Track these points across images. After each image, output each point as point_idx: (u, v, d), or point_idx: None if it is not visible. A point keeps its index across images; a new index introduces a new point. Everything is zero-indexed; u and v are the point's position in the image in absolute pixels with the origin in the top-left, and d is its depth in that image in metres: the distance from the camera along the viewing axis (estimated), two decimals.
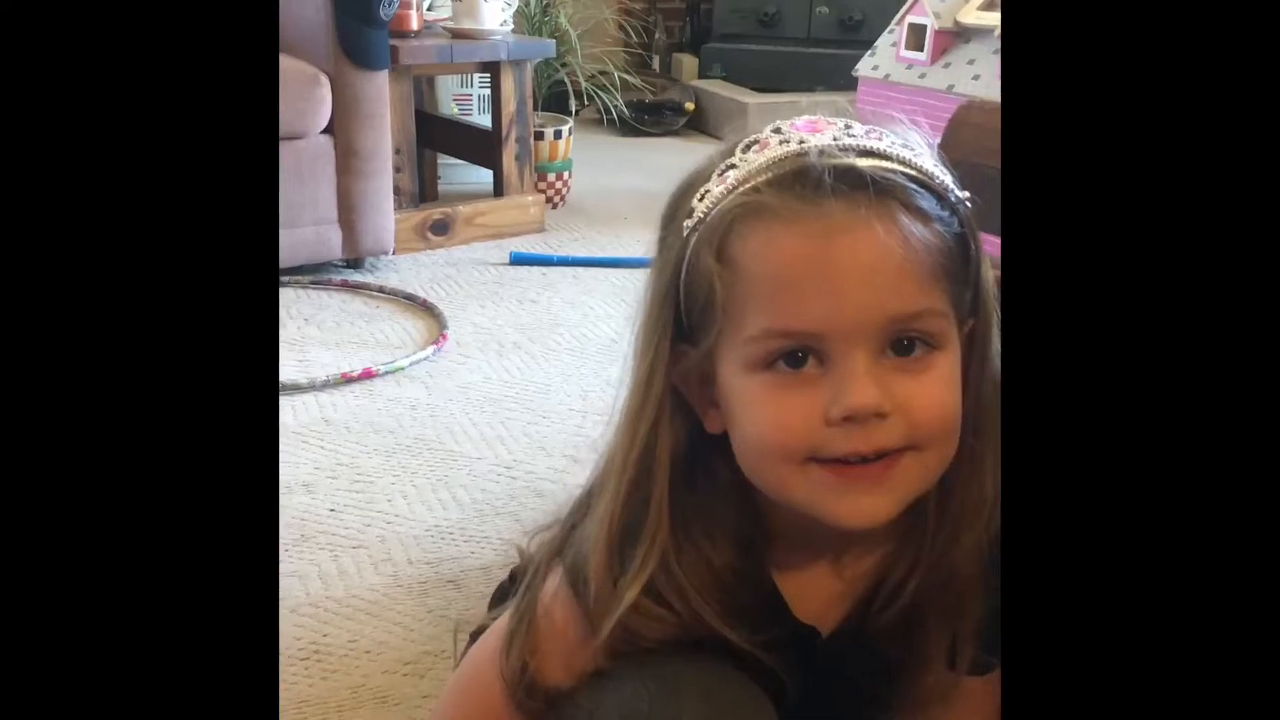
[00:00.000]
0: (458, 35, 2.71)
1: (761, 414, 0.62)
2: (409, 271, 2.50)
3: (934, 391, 0.61)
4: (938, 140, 0.66)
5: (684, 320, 0.64)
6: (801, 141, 0.61)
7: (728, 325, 0.62)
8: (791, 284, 0.59)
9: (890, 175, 0.60)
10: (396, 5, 2.39)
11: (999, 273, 1.05)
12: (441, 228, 2.68)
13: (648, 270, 0.67)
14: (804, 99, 3.88)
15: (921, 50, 1.46)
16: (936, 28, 1.43)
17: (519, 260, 2.59)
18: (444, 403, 1.85)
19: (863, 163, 0.60)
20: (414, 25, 2.65)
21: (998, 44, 1.37)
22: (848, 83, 1.60)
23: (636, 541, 0.65)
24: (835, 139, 0.61)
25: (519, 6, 3.08)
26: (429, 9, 2.84)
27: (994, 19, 1.39)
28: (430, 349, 2.04)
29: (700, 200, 0.63)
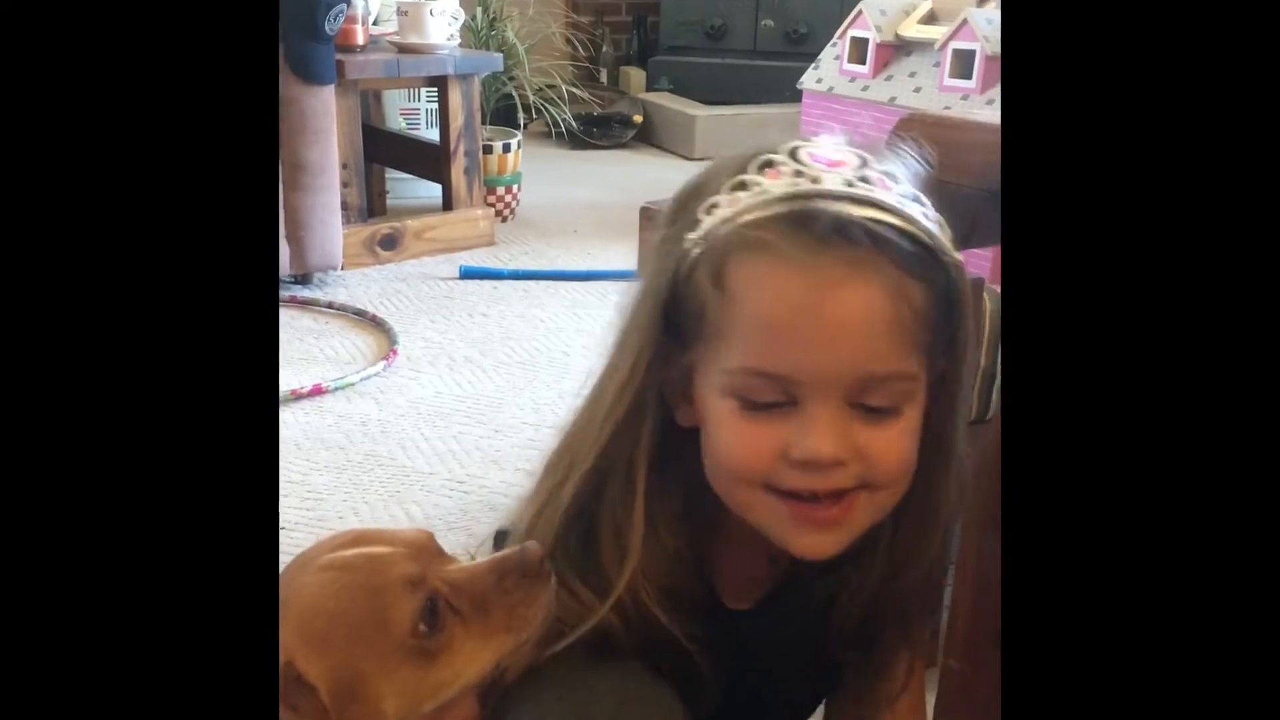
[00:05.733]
0: (404, 49, 2.71)
1: (727, 438, 0.63)
2: (358, 287, 2.48)
3: (894, 442, 0.63)
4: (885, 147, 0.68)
5: (673, 321, 0.65)
6: (815, 180, 0.61)
7: (712, 347, 0.63)
8: (776, 328, 0.60)
9: (889, 232, 0.60)
10: (342, 19, 2.38)
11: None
12: (390, 242, 2.67)
13: (641, 265, 0.68)
14: (751, 111, 3.92)
15: (864, 63, 1.48)
16: (878, 41, 1.45)
17: (469, 274, 2.58)
18: (395, 418, 1.84)
19: (868, 215, 0.60)
20: (360, 40, 2.64)
21: (938, 57, 1.39)
22: (794, 95, 1.62)
23: (599, 529, 0.66)
24: (849, 183, 0.61)
25: (466, 21, 3.08)
26: (375, 23, 2.83)
27: (934, 32, 1.41)
28: (380, 364, 2.03)
29: (708, 214, 0.63)
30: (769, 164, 0.62)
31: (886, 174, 0.63)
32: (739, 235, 0.61)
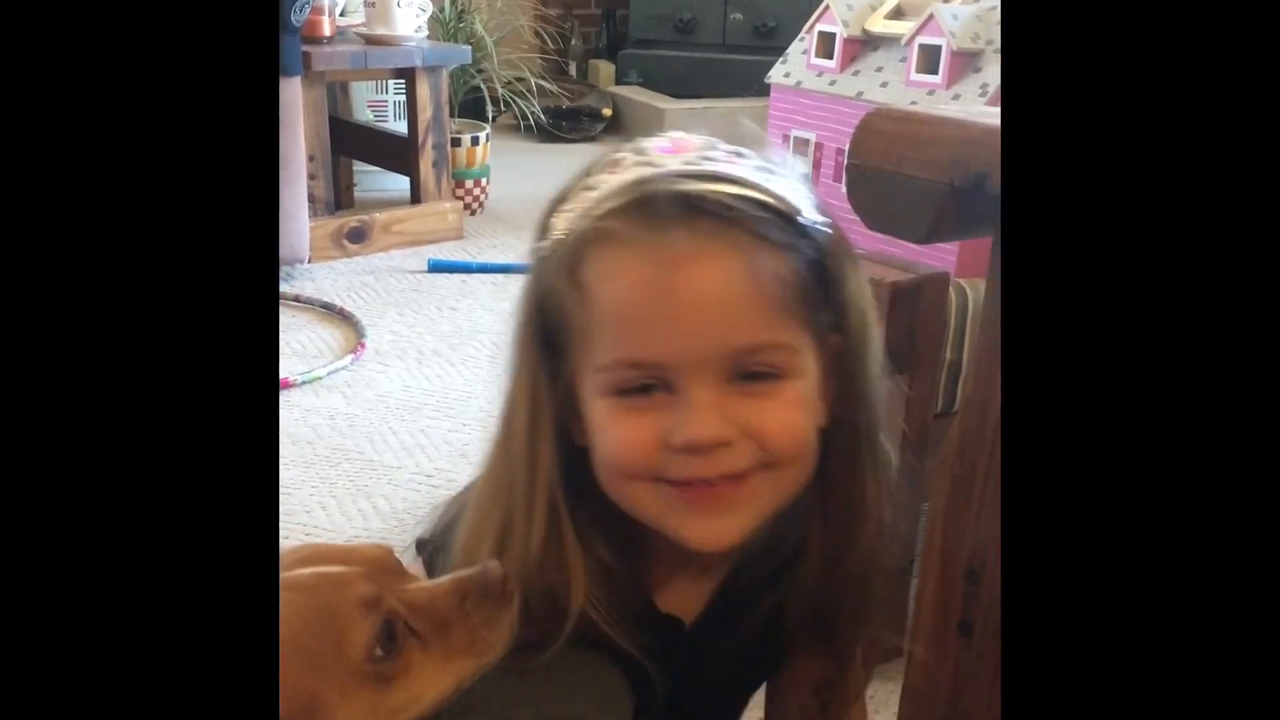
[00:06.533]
0: (372, 41, 2.69)
1: (610, 435, 0.61)
2: (325, 280, 2.47)
3: (782, 415, 0.61)
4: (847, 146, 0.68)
5: (547, 336, 0.64)
6: (657, 166, 0.61)
7: (583, 350, 0.62)
8: (635, 315, 0.59)
9: (738, 203, 0.59)
10: (308, 10, 2.36)
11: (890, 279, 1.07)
12: (358, 235, 2.66)
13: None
14: (720, 104, 3.92)
15: (831, 58, 1.49)
16: (845, 36, 1.46)
17: (437, 267, 2.57)
18: (363, 412, 1.83)
19: (711, 188, 0.59)
20: (327, 31, 2.62)
21: (904, 52, 1.40)
22: (763, 89, 1.62)
23: (530, 554, 0.64)
24: (689, 162, 0.60)
25: (434, 12, 3.06)
26: (342, 14, 2.81)
27: (901, 27, 1.42)
28: (348, 358, 2.02)
29: (559, 219, 0.63)
30: (614, 161, 0.62)
31: (735, 152, 0.62)
32: (586, 231, 0.60)
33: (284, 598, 0.52)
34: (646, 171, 0.61)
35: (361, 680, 0.54)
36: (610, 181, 0.61)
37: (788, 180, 0.62)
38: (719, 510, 0.61)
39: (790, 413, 0.61)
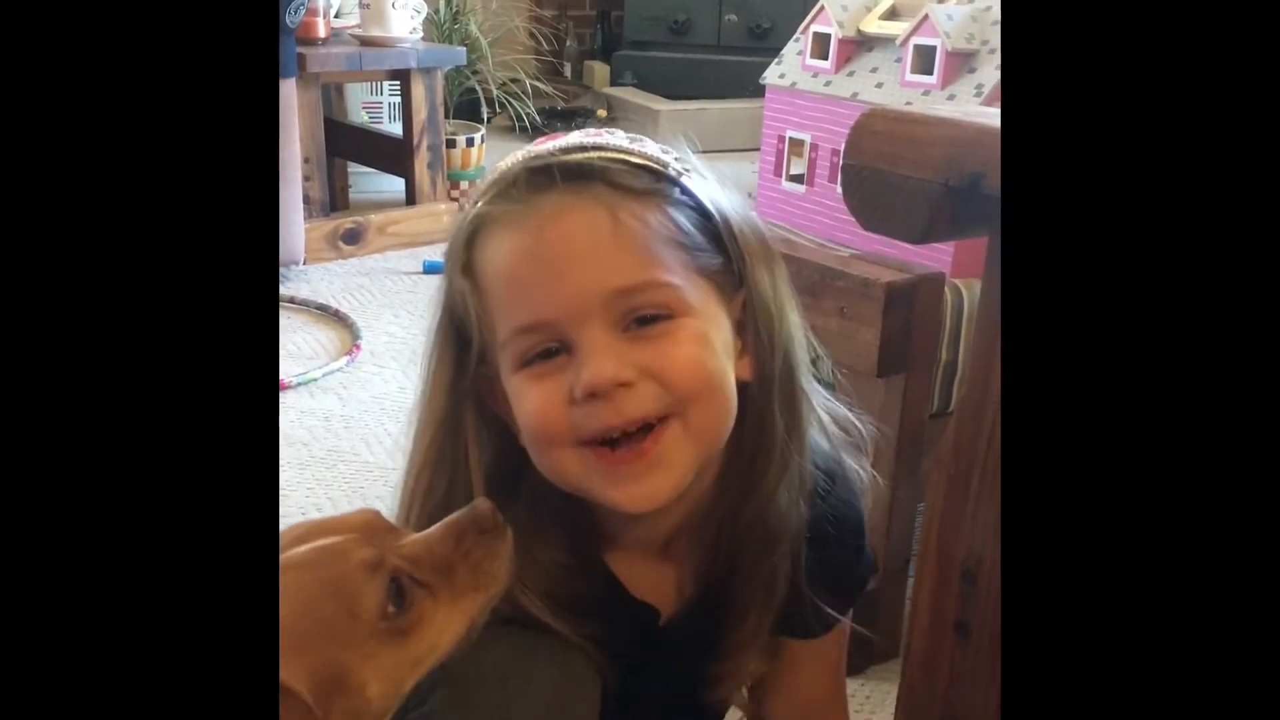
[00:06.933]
0: (366, 43, 2.69)
1: (524, 406, 0.64)
2: (320, 281, 2.47)
3: (680, 351, 0.62)
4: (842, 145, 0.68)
5: (462, 336, 0.66)
6: (529, 154, 0.65)
7: (488, 335, 0.65)
8: (516, 280, 0.62)
9: (597, 160, 0.63)
10: (303, 12, 2.36)
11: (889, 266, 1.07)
12: (353, 237, 2.65)
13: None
14: (715, 105, 3.93)
15: (826, 59, 1.49)
16: (840, 36, 1.46)
17: (433, 269, 2.57)
18: (358, 414, 1.83)
19: (569, 157, 0.63)
20: (321, 32, 2.62)
21: (899, 53, 1.40)
22: (758, 90, 1.62)
23: None
24: (554, 146, 0.65)
25: (428, 14, 3.06)
26: (336, 16, 2.81)
27: (895, 28, 1.42)
28: (343, 360, 2.02)
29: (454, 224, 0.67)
30: (500, 164, 0.67)
31: (606, 131, 0.67)
32: (468, 224, 0.65)
33: (289, 579, 0.53)
34: (512, 159, 0.66)
35: (381, 640, 0.55)
36: (484, 180, 0.66)
37: (654, 144, 0.66)
38: (640, 473, 0.62)
39: (686, 348, 0.62)
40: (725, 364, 0.64)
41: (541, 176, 0.63)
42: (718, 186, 0.67)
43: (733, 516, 0.69)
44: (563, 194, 0.62)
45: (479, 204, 0.65)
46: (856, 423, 0.74)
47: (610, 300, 0.61)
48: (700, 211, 0.65)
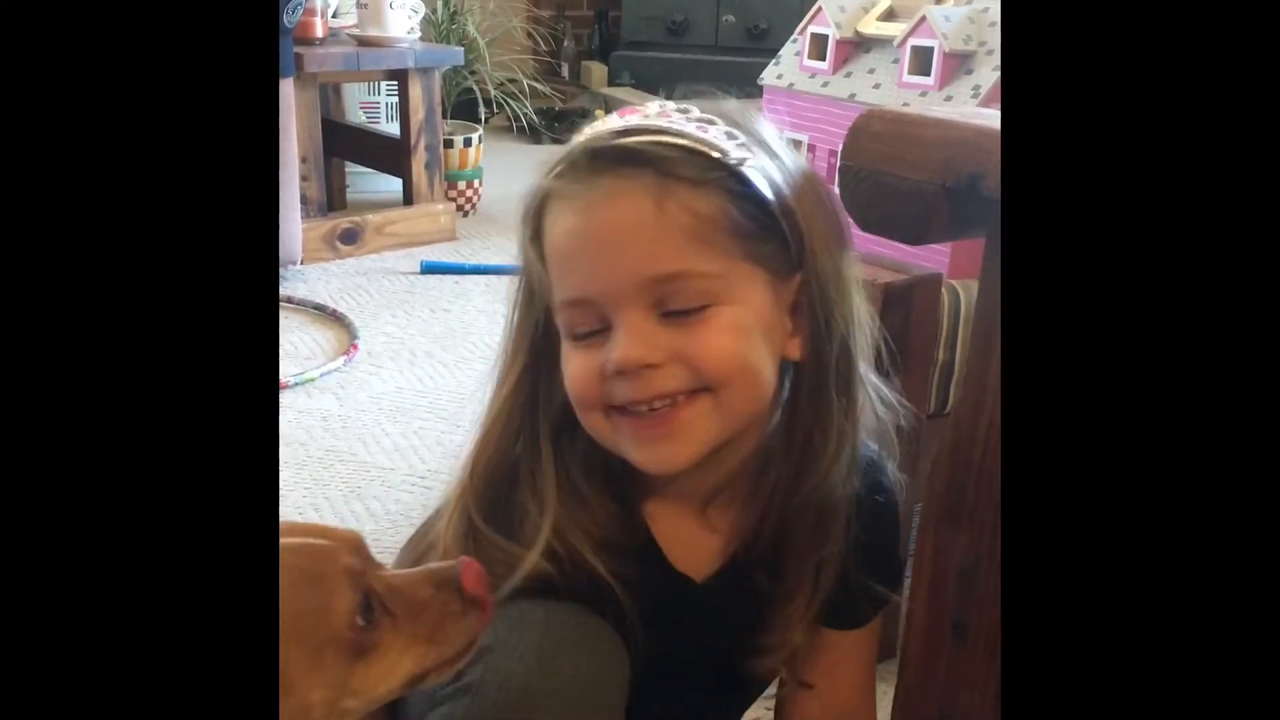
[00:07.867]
0: (364, 43, 2.69)
1: (568, 370, 0.68)
2: (318, 281, 2.47)
3: (713, 339, 0.65)
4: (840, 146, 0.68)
5: (538, 296, 0.70)
6: (595, 130, 0.68)
7: (551, 300, 0.69)
8: (568, 256, 0.66)
9: (649, 147, 0.65)
10: (301, 12, 2.36)
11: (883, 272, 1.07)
12: (350, 237, 2.65)
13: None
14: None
15: (823, 60, 1.49)
16: (838, 37, 1.46)
17: (430, 269, 2.57)
18: (356, 414, 1.83)
19: (625, 141, 0.65)
20: (319, 32, 2.61)
21: (897, 54, 1.40)
22: (755, 90, 1.62)
23: (519, 490, 0.71)
24: (615, 126, 0.67)
25: (426, 14, 3.06)
26: (334, 16, 2.81)
27: (893, 29, 1.42)
28: (341, 360, 2.02)
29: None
30: (577, 135, 0.69)
31: (680, 109, 0.69)
32: (536, 193, 0.68)
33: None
34: (585, 135, 0.68)
35: (338, 650, 0.55)
36: (558, 152, 0.69)
37: (723, 128, 0.67)
38: (660, 438, 0.66)
39: (720, 336, 0.65)
40: (762, 349, 0.67)
41: (598, 159, 0.65)
42: (789, 167, 0.68)
43: (785, 494, 0.71)
44: (615, 179, 0.64)
45: (549, 175, 0.67)
46: (899, 408, 0.76)
47: (646, 286, 0.64)
48: (757, 198, 0.66)
